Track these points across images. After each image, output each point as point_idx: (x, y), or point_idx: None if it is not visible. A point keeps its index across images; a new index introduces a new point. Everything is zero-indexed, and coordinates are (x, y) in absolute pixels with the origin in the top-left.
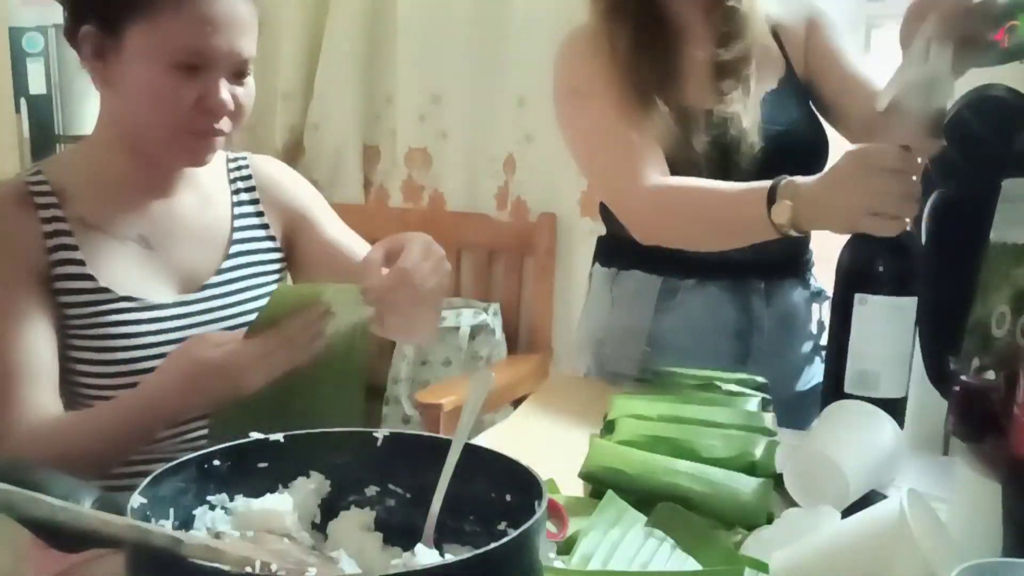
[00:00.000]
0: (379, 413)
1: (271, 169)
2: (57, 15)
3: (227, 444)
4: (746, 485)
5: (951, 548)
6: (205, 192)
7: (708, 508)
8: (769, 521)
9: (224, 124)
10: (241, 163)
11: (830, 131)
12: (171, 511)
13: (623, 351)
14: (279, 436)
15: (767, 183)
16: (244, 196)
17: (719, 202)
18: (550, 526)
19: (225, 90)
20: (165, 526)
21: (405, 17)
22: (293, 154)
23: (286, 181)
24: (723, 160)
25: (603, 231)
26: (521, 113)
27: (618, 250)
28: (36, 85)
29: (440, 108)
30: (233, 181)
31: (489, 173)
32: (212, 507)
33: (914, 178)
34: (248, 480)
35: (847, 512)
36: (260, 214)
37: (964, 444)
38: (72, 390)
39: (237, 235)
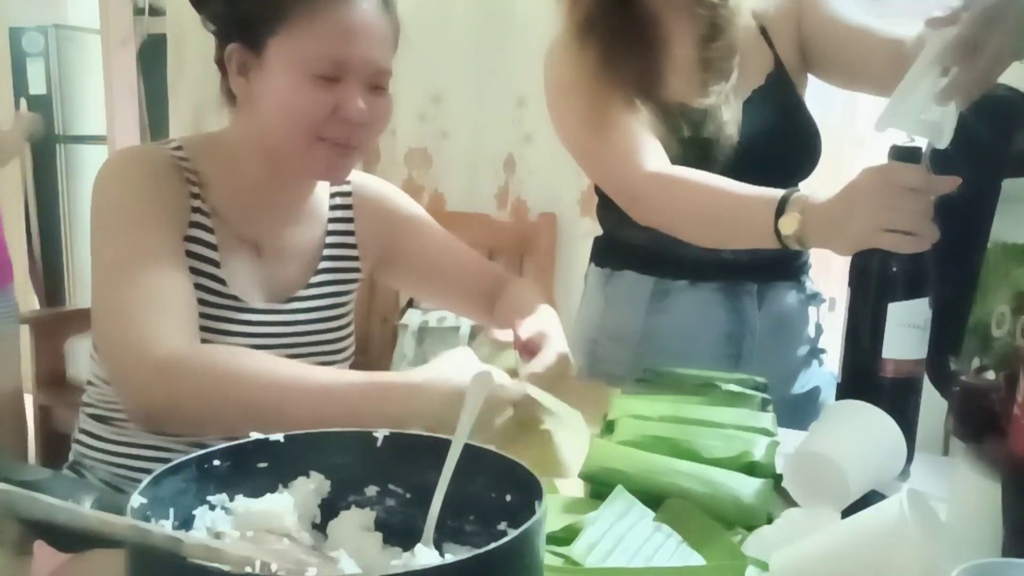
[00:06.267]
0: None
1: (371, 187)
2: (57, 15)
3: (227, 444)
4: (746, 485)
5: (951, 548)
6: (310, 209)
7: (708, 508)
8: (769, 521)
9: (360, 134)
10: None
11: (823, 126)
12: (171, 511)
13: (615, 351)
14: (279, 436)
15: (777, 192)
16: (340, 213)
17: (726, 202)
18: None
19: (362, 100)
20: (165, 526)
21: (405, 17)
22: None
23: (384, 199)
24: (703, 155)
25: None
26: (521, 113)
27: (612, 250)
28: (36, 85)
29: (440, 108)
30: (333, 196)
31: (489, 173)
32: (212, 507)
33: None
34: (248, 480)
35: (847, 512)
36: (351, 233)
37: (964, 444)
38: None
39: (327, 252)
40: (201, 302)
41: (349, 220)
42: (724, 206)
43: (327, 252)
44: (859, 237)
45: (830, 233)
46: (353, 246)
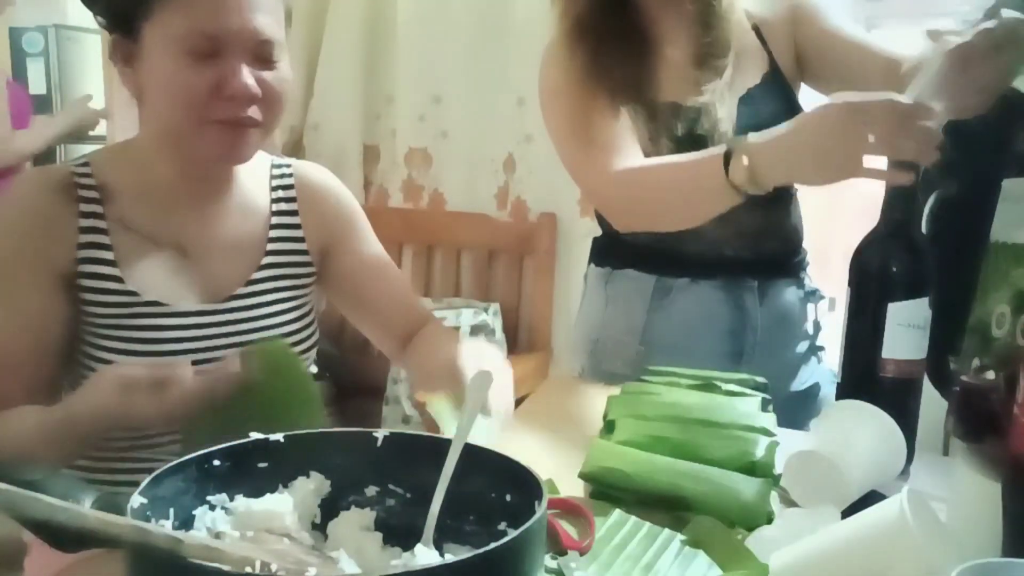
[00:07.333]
0: (379, 413)
1: (315, 177)
2: (57, 15)
3: (227, 444)
4: (746, 485)
5: (951, 548)
6: (245, 200)
7: (708, 508)
8: (769, 521)
9: (254, 112)
10: (285, 170)
11: None
12: (171, 511)
13: (617, 350)
14: (279, 436)
15: (724, 146)
16: (284, 206)
17: (678, 173)
18: (571, 530)
19: (246, 74)
20: (165, 526)
21: (405, 17)
22: (293, 154)
23: (329, 191)
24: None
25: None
26: (521, 113)
27: (612, 250)
28: (36, 85)
29: (440, 108)
30: (275, 189)
31: (489, 173)
32: (212, 507)
33: (929, 124)
34: (248, 480)
35: (847, 512)
36: (297, 226)
37: (964, 444)
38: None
39: (271, 246)
40: (116, 316)
41: (294, 213)
42: (678, 177)
43: (271, 247)
44: (832, 168)
45: (786, 167)
46: (301, 239)
